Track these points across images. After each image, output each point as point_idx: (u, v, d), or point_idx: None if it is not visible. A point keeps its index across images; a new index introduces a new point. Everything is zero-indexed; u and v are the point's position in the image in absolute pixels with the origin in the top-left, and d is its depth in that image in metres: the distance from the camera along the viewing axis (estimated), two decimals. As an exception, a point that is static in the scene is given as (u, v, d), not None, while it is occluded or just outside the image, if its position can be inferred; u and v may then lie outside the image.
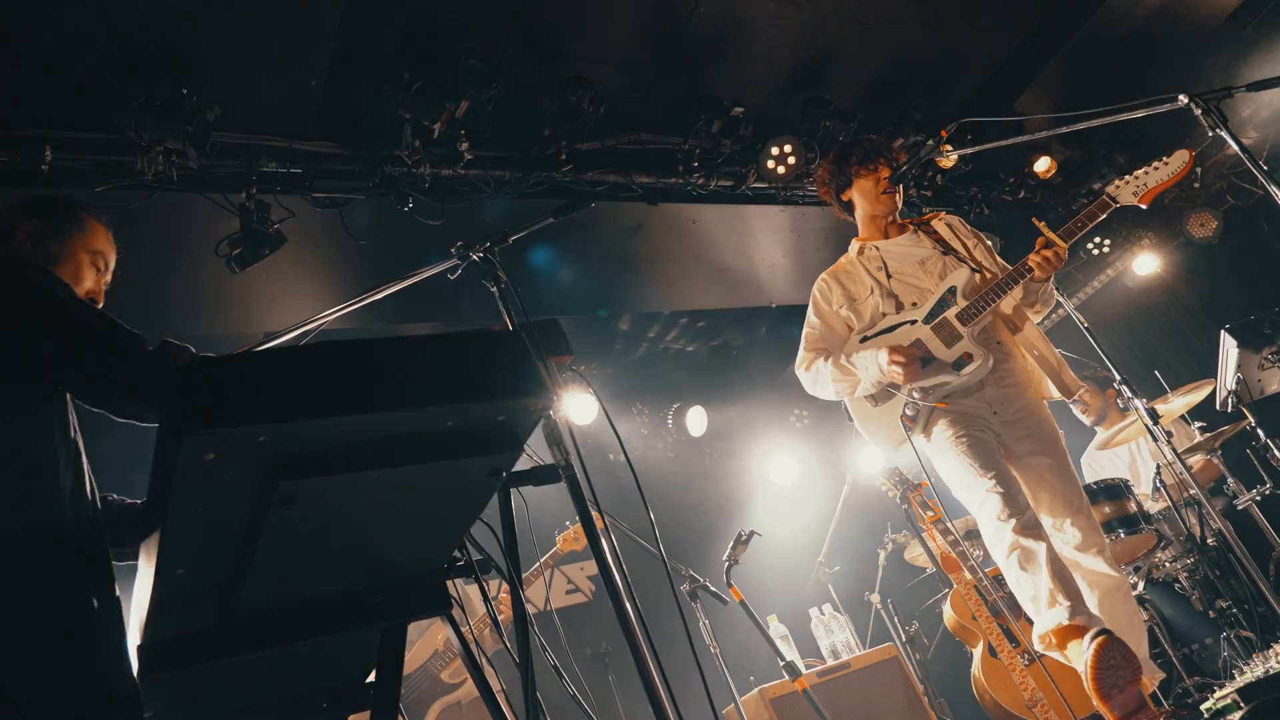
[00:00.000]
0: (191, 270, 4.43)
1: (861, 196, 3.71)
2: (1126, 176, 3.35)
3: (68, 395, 1.85)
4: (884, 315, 3.55)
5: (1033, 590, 3.02)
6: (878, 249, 3.68)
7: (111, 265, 2.29)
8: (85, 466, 1.87)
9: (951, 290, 3.45)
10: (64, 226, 2.21)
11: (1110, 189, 3.36)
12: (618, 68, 4.57)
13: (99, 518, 1.86)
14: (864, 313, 3.59)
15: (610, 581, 1.81)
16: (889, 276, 3.60)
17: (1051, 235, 3.33)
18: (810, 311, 3.73)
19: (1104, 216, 3.35)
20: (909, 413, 3.33)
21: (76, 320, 1.80)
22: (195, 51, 3.67)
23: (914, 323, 3.48)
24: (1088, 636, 2.83)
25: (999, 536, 3.12)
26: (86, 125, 3.70)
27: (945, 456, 3.32)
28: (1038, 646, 3.09)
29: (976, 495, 3.21)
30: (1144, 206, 3.35)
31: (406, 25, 3.99)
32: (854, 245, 3.79)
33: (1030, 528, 3.10)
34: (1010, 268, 3.40)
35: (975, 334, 3.38)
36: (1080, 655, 2.82)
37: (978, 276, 3.49)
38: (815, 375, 3.60)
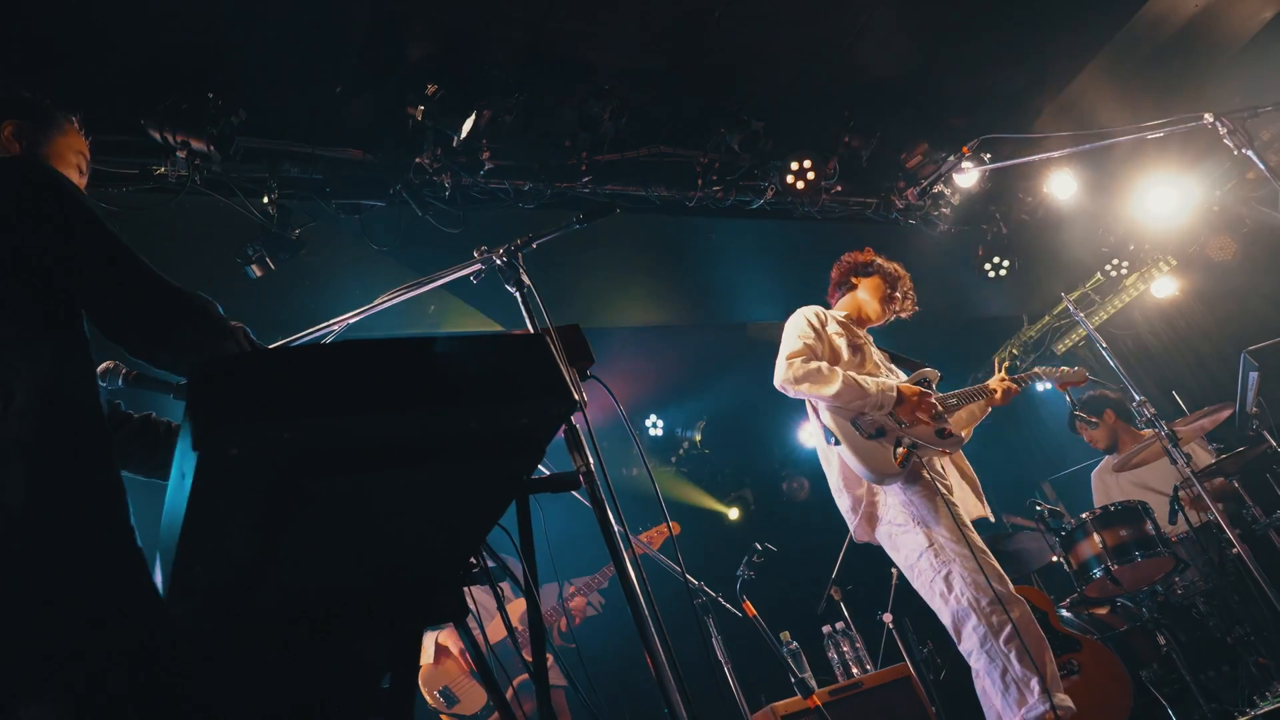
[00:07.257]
0: (210, 274, 4.45)
1: (869, 293, 4.02)
2: (1040, 368, 4.32)
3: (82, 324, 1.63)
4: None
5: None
6: (859, 334, 3.94)
7: (88, 170, 2.12)
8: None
9: (925, 381, 3.81)
10: (47, 125, 2.05)
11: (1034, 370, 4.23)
12: (638, 79, 4.58)
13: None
14: (848, 361, 3.76)
15: (631, 593, 1.79)
16: (863, 360, 3.82)
17: (1009, 380, 3.96)
18: (805, 326, 3.80)
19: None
20: (903, 450, 3.51)
21: (111, 246, 1.57)
22: (222, 59, 3.70)
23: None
24: None
25: (983, 596, 3.32)
26: (110, 128, 3.73)
27: (932, 499, 3.51)
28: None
29: (961, 548, 3.41)
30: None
31: (430, 36, 4.01)
32: (838, 313, 3.98)
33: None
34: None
35: (950, 420, 3.74)
36: None
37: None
38: (817, 372, 3.60)
